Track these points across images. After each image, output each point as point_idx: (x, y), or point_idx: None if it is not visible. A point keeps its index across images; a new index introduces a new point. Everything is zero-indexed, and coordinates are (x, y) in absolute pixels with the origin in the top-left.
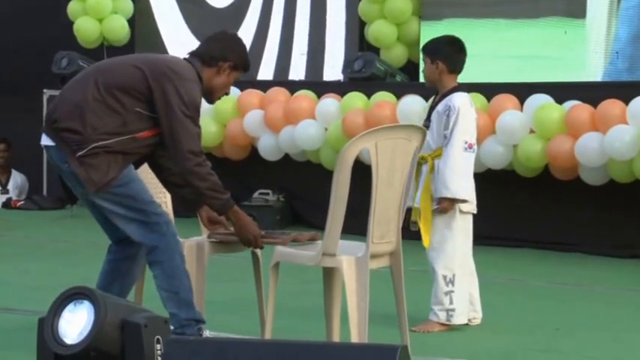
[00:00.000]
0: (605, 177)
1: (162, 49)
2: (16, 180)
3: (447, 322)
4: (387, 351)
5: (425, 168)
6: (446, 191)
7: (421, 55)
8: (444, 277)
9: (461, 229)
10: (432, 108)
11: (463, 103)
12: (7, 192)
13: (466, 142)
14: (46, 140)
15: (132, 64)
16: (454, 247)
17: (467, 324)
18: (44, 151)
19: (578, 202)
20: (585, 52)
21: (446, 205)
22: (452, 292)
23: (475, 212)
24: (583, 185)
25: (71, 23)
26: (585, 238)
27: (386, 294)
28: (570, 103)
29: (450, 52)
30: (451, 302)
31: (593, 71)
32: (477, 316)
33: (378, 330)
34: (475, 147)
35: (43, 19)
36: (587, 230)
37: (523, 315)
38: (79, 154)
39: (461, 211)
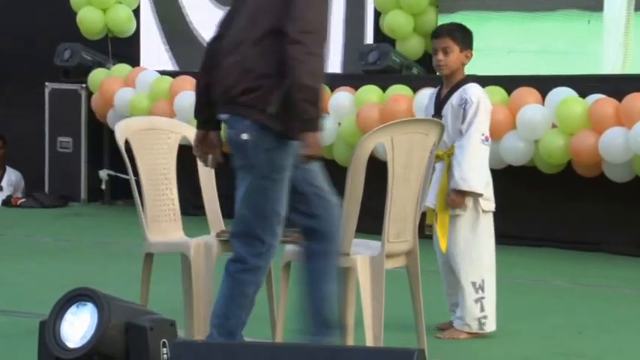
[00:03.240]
0: (630, 173)
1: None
2: (11, 177)
3: (480, 331)
4: (403, 355)
5: (439, 166)
6: (463, 183)
7: (434, 44)
8: (473, 284)
9: (485, 229)
10: (441, 101)
11: (481, 95)
12: (0, 189)
13: (483, 135)
14: None
15: None
16: (480, 251)
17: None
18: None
19: (602, 200)
20: (602, 45)
21: (457, 199)
22: (482, 298)
23: (494, 210)
24: (607, 182)
25: (74, 14)
26: (609, 237)
27: (402, 295)
28: (594, 97)
29: (472, 41)
30: (482, 309)
31: (612, 65)
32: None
33: (394, 333)
34: (490, 140)
35: (45, 9)
36: (611, 229)
37: (544, 317)
38: None
39: (483, 211)
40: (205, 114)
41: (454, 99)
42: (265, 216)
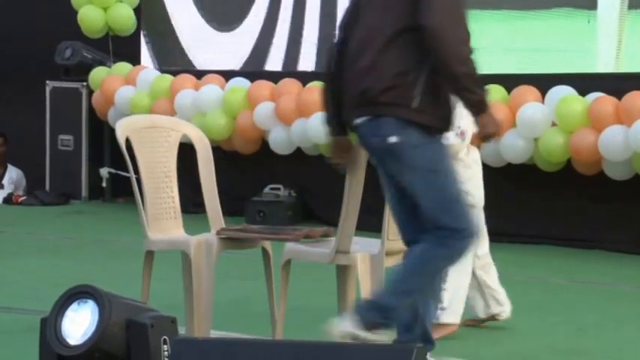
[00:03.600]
0: (629, 172)
1: (172, 39)
2: (12, 175)
3: (435, 321)
4: (402, 351)
5: None
6: None
7: None
8: None
9: None
10: None
11: None
12: (2, 187)
13: (459, 128)
14: None
15: None
16: None
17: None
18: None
19: (602, 198)
20: (597, 43)
21: None
22: (442, 289)
23: (477, 206)
24: (607, 180)
25: (75, 12)
26: (609, 235)
27: None
28: (594, 95)
29: None
30: (441, 300)
31: (605, 64)
32: (504, 310)
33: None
34: (468, 137)
35: (45, 8)
36: (610, 227)
37: (543, 315)
38: None
39: None
40: (338, 119)
41: None
42: (449, 208)
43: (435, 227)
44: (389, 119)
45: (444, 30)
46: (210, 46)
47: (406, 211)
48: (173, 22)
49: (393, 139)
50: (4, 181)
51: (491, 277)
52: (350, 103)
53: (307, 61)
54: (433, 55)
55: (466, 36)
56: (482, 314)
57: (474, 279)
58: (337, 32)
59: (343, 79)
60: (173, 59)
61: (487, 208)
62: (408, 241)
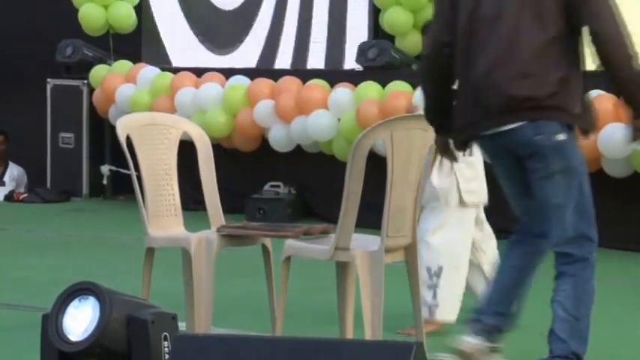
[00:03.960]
0: (629, 169)
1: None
2: (13, 172)
3: (428, 319)
4: (402, 348)
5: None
6: None
7: None
8: (428, 270)
9: (455, 220)
10: None
11: None
12: (3, 184)
13: None
14: None
15: None
16: (442, 239)
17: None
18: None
19: (601, 195)
20: None
21: None
22: (436, 286)
23: (480, 205)
24: (606, 177)
25: (76, 10)
26: (608, 233)
27: (402, 289)
28: (593, 93)
29: None
30: (434, 297)
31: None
32: None
33: (393, 327)
34: None
35: (46, 6)
36: (609, 224)
37: (542, 311)
38: None
39: (463, 203)
40: (444, 120)
41: None
42: (589, 213)
43: (570, 232)
44: (552, 122)
45: (616, 34)
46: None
47: (529, 212)
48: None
49: (561, 137)
50: (5, 179)
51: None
52: (491, 110)
53: (316, 59)
54: (604, 58)
55: (630, 36)
56: None
57: (480, 274)
58: (436, 39)
59: (466, 85)
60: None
61: (488, 205)
62: (533, 233)
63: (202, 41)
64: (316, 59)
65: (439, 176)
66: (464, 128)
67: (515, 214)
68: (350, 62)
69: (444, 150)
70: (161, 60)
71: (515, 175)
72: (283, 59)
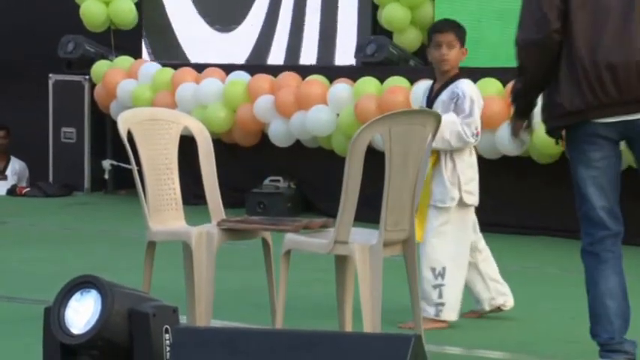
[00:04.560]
0: (623, 163)
1: (171, 33)
2: (15, 166)
3: (436, 318)
4: (400, 340)
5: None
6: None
7: (437, 38)
8: (433, 270)
9: (456, 220)
10: (433, 96)
11: (474, 90)
12: (5, 178)
13: (476, 129)
14: None
15: None
16: (445, 240)
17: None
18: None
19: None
20: None
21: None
22: (442, 285)
23: (476, 205)
24: None
25: (77, 6)
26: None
27: (400, 283)
28: None
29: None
30: (440, 296)
31: None
32: (507, 299)
33: (392, 319)
34: (479, 136)
35: (48, 2)
36: None
37: (538, 303)
38: None
39: (463, 203)
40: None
41: (445, 94)
42: None
43: None
44: None
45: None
46: (210, 46)
47: (614, 207)
48: (172, 22)
49: None
50: (7, 173)
51: (493, 269)
52: (630, 97)
53: (309, 55)
54: None
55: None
56: (487, 306)
57: (478, 273)
58: (547, 25)
59: (592, 71)
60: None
61: (484, 199)
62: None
63: (210, 22)
64: (308, 55)
65: (446, 176)
66: (579, 113)
67: (596, 215)
68: (340, 58)
69: (518, 133)
70: (173, 54)
71: (616, 165)
72: (276, 55)
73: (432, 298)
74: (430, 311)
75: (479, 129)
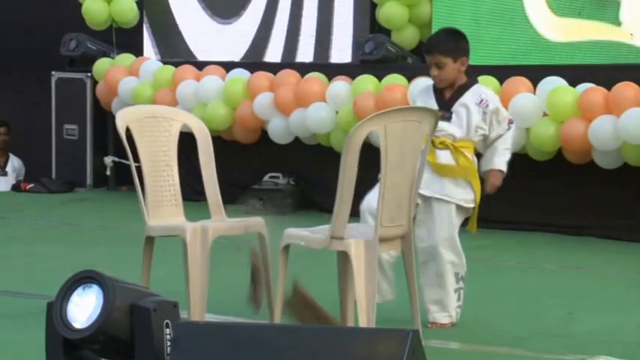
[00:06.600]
0: (618, 160)
1: (174, 31)
2: (14, 163)
3: (455, 321)
4: (398, 335)
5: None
6: (505, 167)
7: (427, 58)
8: (456, 275)
9: (459, 221)
10: (447, 101)
11: (494, 94)
12: (5, 174)
13: (509, 122)
14: None
15: None
16: (460, 243)
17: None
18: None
19: (592, 186)
20: None
21: (499, 180)
22: (461, 289)
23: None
24: (596, 169)
25: (79, 4)
26: (598, 222)
27: (397, 280)
28: (584, 86)
29: (467, 45)
30: (459, 299)
31: None
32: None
33: (388, 315)
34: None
35: (51, 1)
36: (600, 214)
37: (534, 299)
38: None
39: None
40: None
41: (468, 98)
42: None
43: None
44: None
45: None
46: (211, 39)
47: None
48: (175, 13)
49: None
50: (8, 169)
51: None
52: None
53: (305, 53)
54: None
55: None
56: (390, 296)
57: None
58: None
59: None
60: (175, 51)
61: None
62: None
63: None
64: (305, 53)
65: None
66: None
67: None
68: (337, 56)
69: None
70: (178, 50)
71: None
72: (273, 53)
73: (454, 302)
74: (454, 315)
75: (510, 117)
